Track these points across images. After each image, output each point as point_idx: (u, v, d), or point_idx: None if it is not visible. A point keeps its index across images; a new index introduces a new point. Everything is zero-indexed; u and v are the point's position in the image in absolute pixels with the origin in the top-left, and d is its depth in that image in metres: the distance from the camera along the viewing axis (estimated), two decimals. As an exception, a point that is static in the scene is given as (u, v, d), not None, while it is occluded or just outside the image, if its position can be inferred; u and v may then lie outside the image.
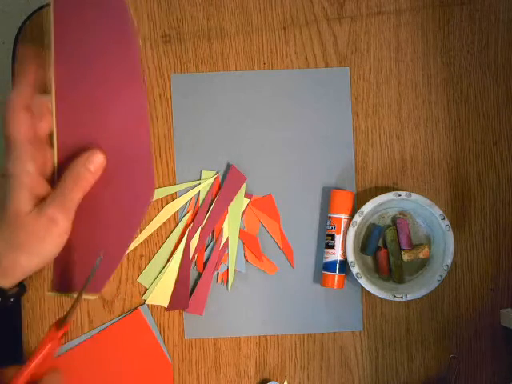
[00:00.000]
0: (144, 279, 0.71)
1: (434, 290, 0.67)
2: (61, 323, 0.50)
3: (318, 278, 0.71)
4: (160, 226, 0.71)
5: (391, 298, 0.67)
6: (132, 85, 0.52)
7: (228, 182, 0.71)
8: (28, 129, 0.49)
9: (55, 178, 0.53)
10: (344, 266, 0.69)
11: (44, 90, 0.52)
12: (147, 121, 0.53)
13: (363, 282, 0.67)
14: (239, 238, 0.71)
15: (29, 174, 0.49)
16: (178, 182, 0.72)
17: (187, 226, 0.71)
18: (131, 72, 0.52)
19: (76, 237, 0.52)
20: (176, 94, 0.72)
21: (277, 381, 0.71)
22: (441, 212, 0.67)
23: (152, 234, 0.71)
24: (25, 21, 0.72)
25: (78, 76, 0.52)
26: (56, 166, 0.53)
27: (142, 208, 0.53)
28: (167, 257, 0.71)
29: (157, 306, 0.71)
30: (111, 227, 0.53)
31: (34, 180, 0.49)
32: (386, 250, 0.70)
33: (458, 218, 0.72)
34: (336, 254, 0.69)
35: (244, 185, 0.71)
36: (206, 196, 0.71)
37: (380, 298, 0.67)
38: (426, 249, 0.70)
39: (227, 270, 0.71)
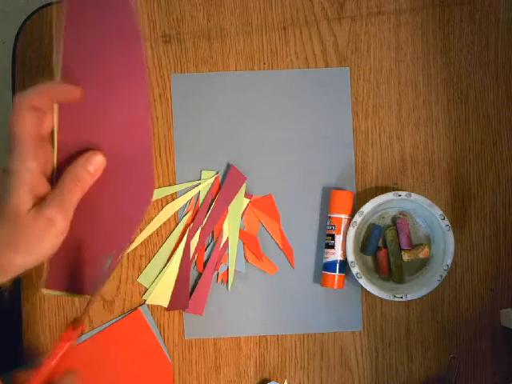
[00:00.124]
0: (144, 279, 0.71)
1: (433, 289, 0.67)
2: (77, 323, 0.50)
3: (318, 278, 0.71)
4: (160, 226, 0.71)
5: (391, 298, 0.67)
6: (135, 86, 0.52)
7: (228, 182, 0.71)
8: (33, 127, 0.50)
9: (54, 178, 0.53)
10: (344, 265, 0.69)
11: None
12: (149, 122, 0.53)
13: (363, 282, 0.67)
14: (239, 237, 0.71)
15: (30, 171, 0.49)
16: (178, 181, 0.72)
17: (187, 226, 0.71)
18: (135, 73, 0.52)
19: (73, 236, 0.52)
20: (176, 94, 0.72)
21: (277, 381, 0.71)
22: (441, 212, 0.67)
23: (152, 234, 0.71)
24: (25, 21, 0.72)
25: (81, 75, 0.52)
26: (55, 165, 0.53)
27: (142, 209, 0.53)
28: (167, 257, 0.71)
29: (157, 306, 0.71)
30: (110, 227, 0.53)
31: (34, 178, 0.49)
32: (385, 250, 0.70)
33: (458, 218, 0.72)
34: (336, 254, 0.69)
35: (244, 185, 0.71)
36: (205, 196, 0.71)
37: (380, 297, 0.67)
38: (426, 249, 0.70)
39: (227, 270, 0.71)
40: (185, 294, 0.71)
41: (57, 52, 0.52)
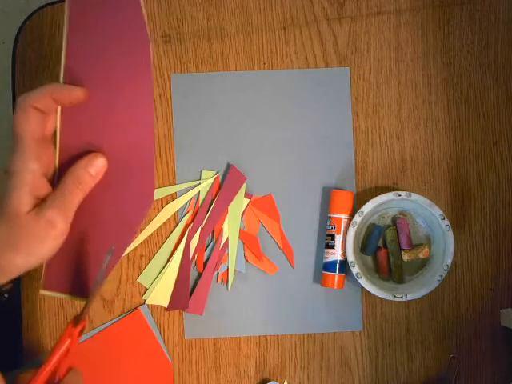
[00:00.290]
0: (144, 279, 0.71)
1: (433, 289, 0.67)
2: (77, 319, 0.50)
3: (318, 278, 0.71)
4: (160, 226, 0.71)
5: (391, 298, 0.67)
6: (140, 88, 0.52)
7: (228, 182, 0.71)
8: (36, 128, 0.49)
9: (55, 180, 0.53)
10: (344, 266, 0.69)
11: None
12: (152, 126, 0.52)
13: (363, 282, 0.67)
14: (239, 237, 0.71)
15: (32, 172, 0.49)
16: (178, 182, 0.72)
17: (187, 226, 0.71)
18: (140, 75, 0.51)
19: (73, 238, 0.52)
20: (176, 94, 0.72)
21: (277, 381, 0.71)
22: (441, 212, 0.67)
23: (152, 234, 0.71)
24: (25, 21, 0.72)
25: (85, 76, 0.52)
26: (57, 167, 0.53)
27: (142, 212, 0.53)
28: (167, 257, 0.71)
29: (157, 306, 0.71)
30: (109, 230, 0.53)
31: (36, 179, 0.49)
32: (385, 250, 0.70)
33: (458, 218, 0.72)
34: (336, 254, 0.69)
35: (244, 185, 0.71)
36: (205, 196, 0.71)
37: (380, 297, 0.67)
38: (426, 249, 0.70)
39: (227, 270, 0.71)
40: (185, 294, 0.71)
41: (65, 51, 0.52)
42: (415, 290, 0.67)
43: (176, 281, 0.71)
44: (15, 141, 0.49)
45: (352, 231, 0.68)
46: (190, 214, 0.71)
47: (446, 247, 0.67)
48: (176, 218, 0.72)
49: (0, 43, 1.36)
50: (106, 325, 0.71)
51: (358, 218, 0.68)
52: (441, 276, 0.67)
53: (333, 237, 0.69)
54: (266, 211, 0.72)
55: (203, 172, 0.72)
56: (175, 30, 0.72)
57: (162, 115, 0.72)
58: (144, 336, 0.70)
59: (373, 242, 0.70)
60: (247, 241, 0.71)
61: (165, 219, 0.71)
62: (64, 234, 0.50)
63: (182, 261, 0.71)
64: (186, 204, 0.72)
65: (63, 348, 0.49)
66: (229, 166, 0.72)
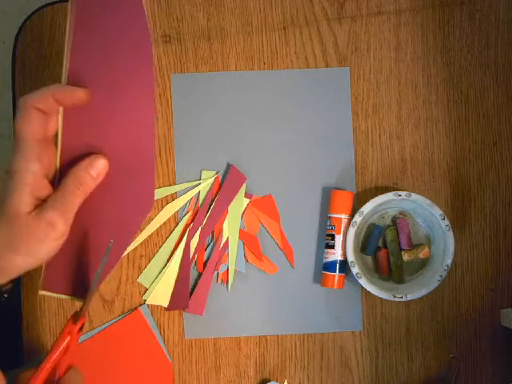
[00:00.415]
0: (144, 279, 0.71)
1: (433, 289, 0.67)
2: (77, 316, 0.50)
3: (318, 278, 0.71)
4: (160, 226, 0.71)
5: (391, 298, 0.67)
6: (142, 90, 0.52)
7: (228, 182, 0.71)
8: (37, 129, 0.49)
9: (56, 181, 0.53)
10: (344, 265, 0.69)
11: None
12: (153, 127, 0.52)
13: (363, 282, 0.67)
14: (239, 237, 0.71)
15: (33, 173, 0.49)
16: (178, 182, 0.72)
17: (187, 225, 0.71)
18: (142, 76, 0.51)
19: (73, 239, 0.52)
20: (176, 94, 0.72)
21: (277, 381, 0.71)
22: (441, 212, 0.67)
23: (152, 234, 0.71)
24: (25, 21, 0.72)
25: (88, 78, 0.52)
26: (58, 168, 0.53)
27: (142, 214, 0.53)
28: (167, 257, 0.71)
29: (157, 306, 0.71)
30: (109, 231, 0.53)
31: (37, 180, 0.49)
32: (385, 250, 0.70)
33: (458, 218, 0.72)
34: (336, 254, 0.69)
35: (244, 185, 0.71)
36: (205, 196, 0.71)
37: (380, 297, 0.67)
38: (426, 249, 0.70)
39: (227, 270, 0.71)
40: (185, 294, 0.71)
41: (68, 52, 0.52)
42: (415, 290, 0.67)
43: (176, 281, 0.71)
44: (16, 141, 0.49)
45: (352, 231, 0.68)
46: (189, 214, 0.71)
47: (446, 247, 0.67)
48: (176, 218, 0.72)
49: (0, 43, 1.36)
50: (106, 325, 0.71)
51: (358, 218, 0.68)
52: (441, 276, 0.67)
53: (333, 237, 0.69)
54: (266, 211, 0.72)
55: (203, 172, 0.72)
56: (175, 30, 0.72)
57: (162, 115, 0.72)
58: (144, 336, 0.70)
59: (373, 242, 0.70)
60: (247, 241, 0.71)
61: (165, 219, 0.71)
62: (64, 235, 0.50)
63: (181, 261, 0.71)
64: (185, 204, 0.72)
65: (63, 345, 0.49)
66: (229, 166, 0.72)
